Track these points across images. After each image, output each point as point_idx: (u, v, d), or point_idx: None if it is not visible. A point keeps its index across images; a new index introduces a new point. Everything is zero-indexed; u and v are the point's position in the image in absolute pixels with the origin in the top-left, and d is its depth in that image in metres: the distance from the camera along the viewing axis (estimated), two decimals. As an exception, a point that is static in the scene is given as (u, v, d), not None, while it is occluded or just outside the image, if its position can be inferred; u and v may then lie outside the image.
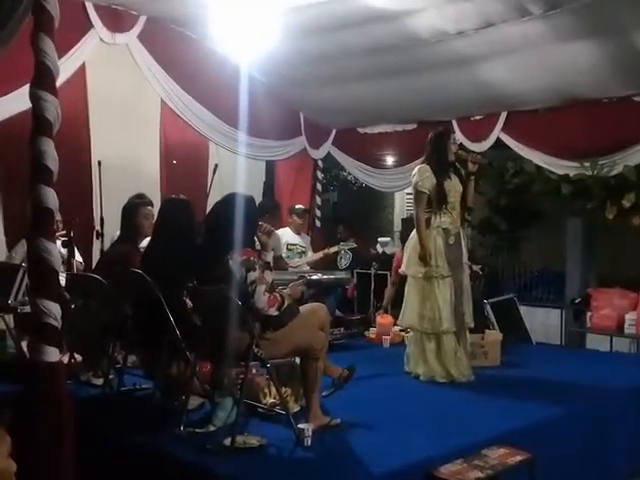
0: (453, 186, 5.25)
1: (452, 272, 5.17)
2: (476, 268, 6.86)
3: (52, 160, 3.14)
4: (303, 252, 7.51)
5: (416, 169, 5.27)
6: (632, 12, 5.13)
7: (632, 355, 6.60)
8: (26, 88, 3.32)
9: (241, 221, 3.71)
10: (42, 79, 3.21)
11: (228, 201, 3.90)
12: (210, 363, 4.25)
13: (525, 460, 3.44)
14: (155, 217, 4.78)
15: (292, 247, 7.45)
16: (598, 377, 5.18)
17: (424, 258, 5.10)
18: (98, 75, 6.42)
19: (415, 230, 5.25)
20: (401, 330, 6.25)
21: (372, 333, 6.71)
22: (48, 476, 2.91)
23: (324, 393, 4.10)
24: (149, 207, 5.02)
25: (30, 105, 3.26)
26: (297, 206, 7.76)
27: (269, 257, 3.91)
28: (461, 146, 6.97)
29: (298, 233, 7.60)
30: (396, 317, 5.79)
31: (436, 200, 5.18)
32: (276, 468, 3.39)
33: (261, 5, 5.56)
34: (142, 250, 4.87)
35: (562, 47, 5.70)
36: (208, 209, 4.65)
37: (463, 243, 5.37)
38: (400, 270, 5.63)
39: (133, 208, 4.92)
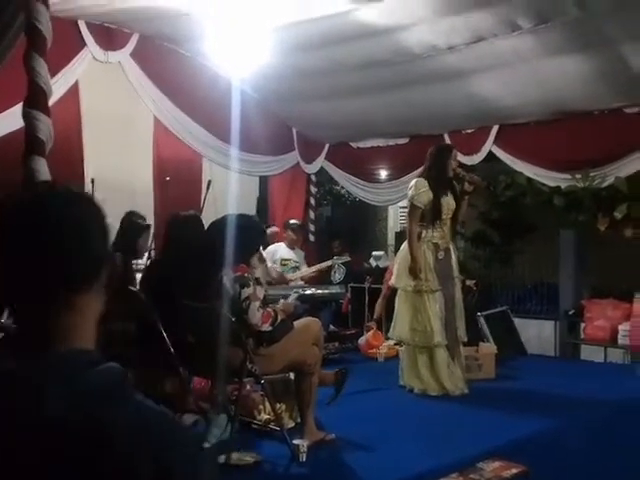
0: (447, 203, 5.25)
1: (442, 286, 5.17)
2: (470, 283, 6.88)
3: (45, 179, 3.15)
4: (297, 267, 7.51)
5: (413, 182, 5.26)
6: (620, 25, 5.18)
7: (626, 366, 6.60)
8: (19, 107, 3.34)
9: (236, 238, 3.72)
10: (35, 99, 3.24)
11: (222, 219, 3.92)
12: (204, 380, 4.24)
13: (520, 473, 3.45)
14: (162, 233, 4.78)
15: (286, 262, 7.45)
16: (593, 388, 5.20)
17: (414, 271, 5.11)
18: (91, 93, 6.43)
19: (406, 242, 5.26)
20: (395, 344, 6.25)
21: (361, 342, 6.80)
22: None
23: (327, 402, 4.10)
24: (150, 230, 5.07)
25: (23, 124, 3.28)
26: (292, 221, 7.76)
27: (258, 273, 3.93)
28: (460, 164, 7.02)
29: (292, 248, 7.60)
30: (388, 330, 5.79)
31: (430, 215, 5.19)
32: (271, 484, 3.38)
33: (253, 22, 5.59)
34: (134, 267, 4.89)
35: (552, 61, 5.75)
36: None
37: (453, 257, 5.38)
38: (390, 283, 5.62)
39: (138, 230, 4.91)
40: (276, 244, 7.51)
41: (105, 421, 0.96)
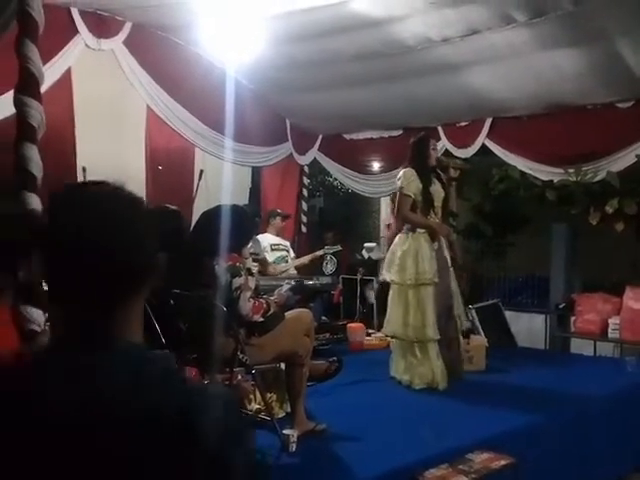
0: (436, 191, 5.29)
1: (439, 277, 5.18)
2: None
3: (36, 166, 3.14)
4: (287, 251, 7.48)
5: (401, 172, 5.30)
6: (615, 19, 5.18)
7: (615, 359, 6.63)
8: (10, 94, 3.32)
9: (228, 227, 3.73)
10: (26, 85, 3.22)
11: (216, 208, 3.92)
12: (195, 369, 4.24)
13: (509, 465, 3.47)
14: None
15: (275, 247, 7.39)
16: (582, 381, 5.23)
17: (437, 232, 5.14)
18: (84, 81, 6.38)
19: (399, 236, 5.27)
20: (386, 335, 6.25)
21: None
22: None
23: (309, 383, 4.10)
24: None
25: (14, 111, 3.26)
26: (278, 210, 7.74)
27: (249, 263, 3.93)
28: (446, 152, 7.02)
29: (277, 235, 7.56)
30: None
31: (423, 204, 5.21)
32: (261, 474, 3.39)
33: (248, 11, 5.56)
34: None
35: (546, 54, 5.74)
36: (194, 215, 4.65)
37: (445, 247, 5.39)
38: (382, 277, 5.55)
39: None
40: (261, 235, 7.41)
41: (161, 407, 1.03)
